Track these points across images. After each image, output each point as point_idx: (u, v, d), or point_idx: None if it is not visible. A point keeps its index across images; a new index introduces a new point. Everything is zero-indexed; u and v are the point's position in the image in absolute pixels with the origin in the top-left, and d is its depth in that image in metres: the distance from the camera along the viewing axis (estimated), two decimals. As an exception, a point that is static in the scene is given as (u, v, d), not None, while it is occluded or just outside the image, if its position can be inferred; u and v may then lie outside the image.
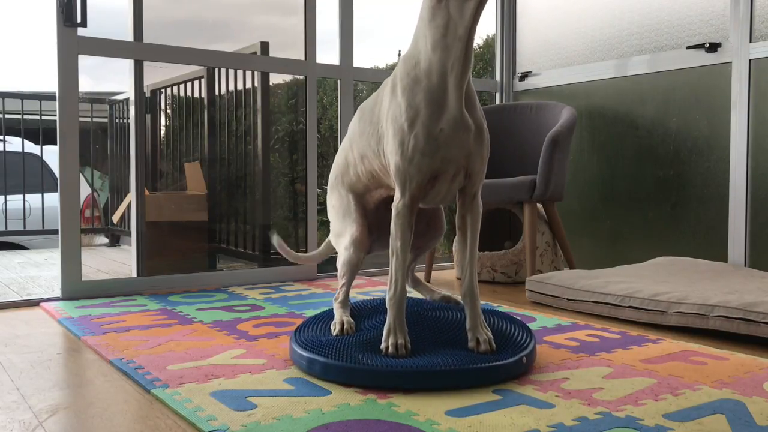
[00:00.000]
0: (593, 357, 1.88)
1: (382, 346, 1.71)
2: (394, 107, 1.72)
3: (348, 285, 2.00)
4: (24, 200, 5.53)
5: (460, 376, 1.60)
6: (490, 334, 1.77)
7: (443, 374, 1.59)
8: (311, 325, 1.95)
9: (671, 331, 2.23)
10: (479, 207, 1.81)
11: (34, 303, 2.74)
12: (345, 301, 1.99)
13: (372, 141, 1.84)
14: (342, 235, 2.01)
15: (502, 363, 1.65)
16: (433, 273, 3.51)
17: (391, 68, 6.33)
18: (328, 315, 2.01)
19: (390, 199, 1.86)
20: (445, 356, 1.68)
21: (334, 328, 1.87)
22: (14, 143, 5.73)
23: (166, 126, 4.59)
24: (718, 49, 3.09)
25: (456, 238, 1.89)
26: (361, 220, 1.97)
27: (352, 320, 1.91)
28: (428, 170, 1.69)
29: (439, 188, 1.75)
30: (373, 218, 2.01)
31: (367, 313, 1.99)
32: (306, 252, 3.38)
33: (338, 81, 3.49)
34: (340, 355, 1.67)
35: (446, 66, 1.64)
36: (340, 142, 3.48)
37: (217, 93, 4.06)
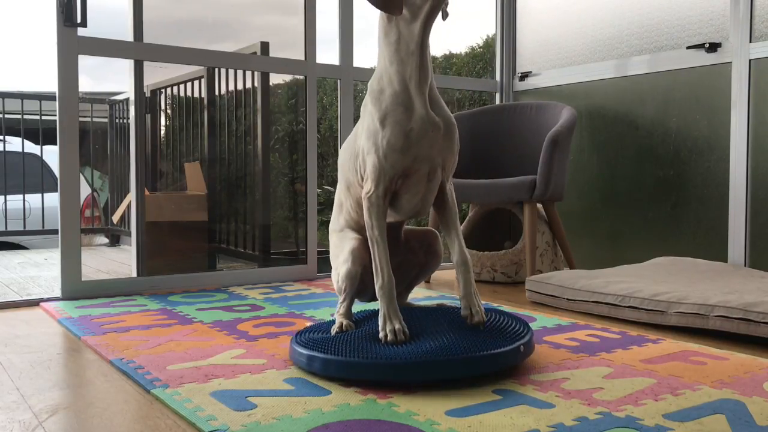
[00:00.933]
0: (593, 357, 1.88)
1: (381, 335, 1.72)
2: (367, 117, 1.82)
3: (350, 298, 1.92)
4: (24, 200, 5.53)
5: (460, 365, 1.61)
6: (481, 304, 1.81)
7: (442, 364, 1.60)
8: (311, 331, 1.94)
9: (671, 331, 2.23)
10: (451, 191, 1.90)
11: (34, 303, 2.74)
12: (347, 313, 1.92)
13: (351, 162, 1.89)
14: (339, 255, 1.96)
15: (500, 351, 1.65)
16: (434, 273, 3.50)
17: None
18: (329, 324, 2.00)
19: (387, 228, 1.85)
20: (444, 342, 1.67)
21: (333, 330, 1.86)
22: (14, 143, 5.73)
23: (166, 126, 4.59)
24: (718, 49, 3.09)
25: (438, 219, 1.94)
26: (358, 236, 1.94)
27: (352, 323, 1.90)
28: (401, 166, 1.76)
29: (416, 189, 1.82)
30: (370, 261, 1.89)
31: (366, 317, 1.98)
32: (306, 252, 3.38)
33: (338, 81, 3.49)
34: (340, 351, 1.67)
35: (404, 76, 1.76)
36: (340, 143, 3.50)
37: (217, 93, 4.06)
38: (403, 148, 1.74)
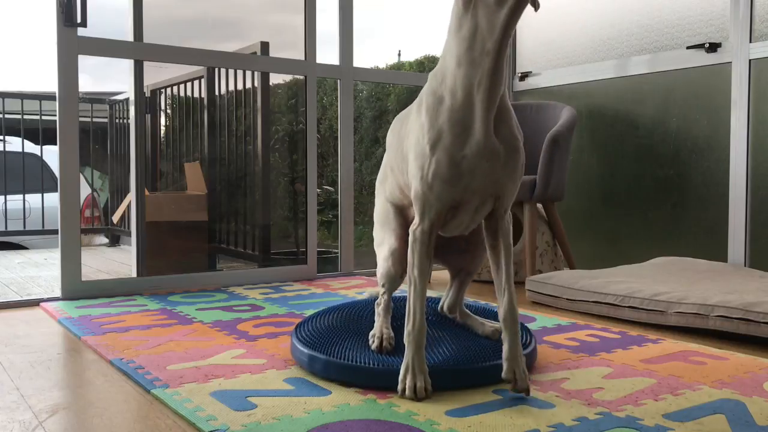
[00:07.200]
0: (593, 357, 1.88)
1: (399, 387, 1.54)
2: (417, 127, 1.58)
3: (389, 293, 1.82)
4: (24, 200, 5.53)
5: (462, 376, 1.61)
6: (525, 369, 1.58)
7: (445, 373, 1.60)
8: (313, 320, 1.95)
9: (671, 331, 2.23)
10: (509, 223, 1.65)
11: (34, 303, 2.74)
12: (387, 308, 1.81)
13: (398, 156, 1.73)
14: (381, 245, 1.85)
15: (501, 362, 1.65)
16: (432, 273, 3.50)
17: (392, 68, 6.32)
18: (330, 311, 2.01)
19: None
20: (446, 352, 1.67)
21: (372, 342, 1.72)
22: (14, 143, 5.73)
23: (166, 126, 4.59)
24: (718, 49, 3.09)
25: (489, 258, 1.69)
26: (400, 231, 1.78)
27: (392, 334, 1.74)
28: (449, 199, 1.54)
29: (461, 218, 1.61)
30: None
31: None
32: (306, 252, 3.38)
33: (338, 81, 3.49)
34: (342, 354, 1.67)
35: (472, 83, 1.47)
36: (340, 143, 3.50)
37: (217, 93, 4.06)
38: (452, 179, 1.51)
